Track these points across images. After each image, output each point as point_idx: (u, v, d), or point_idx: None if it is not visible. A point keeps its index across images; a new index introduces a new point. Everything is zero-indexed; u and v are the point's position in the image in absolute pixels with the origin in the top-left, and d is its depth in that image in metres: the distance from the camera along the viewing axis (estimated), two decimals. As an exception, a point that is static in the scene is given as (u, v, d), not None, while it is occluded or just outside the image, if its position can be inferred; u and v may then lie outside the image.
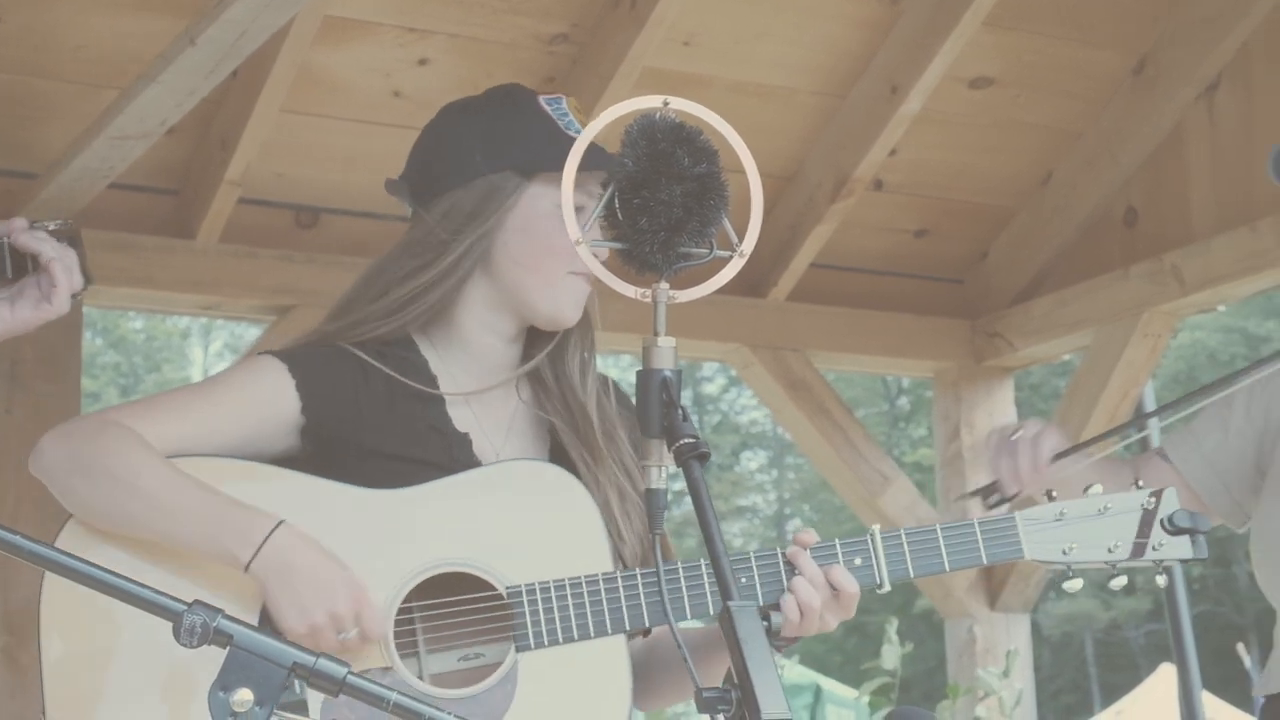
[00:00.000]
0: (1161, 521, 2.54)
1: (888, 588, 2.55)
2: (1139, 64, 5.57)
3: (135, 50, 4.61)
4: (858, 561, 2.54)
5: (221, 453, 2.63)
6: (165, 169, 5.10)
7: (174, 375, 33.34)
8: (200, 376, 20.93)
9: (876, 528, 2.58)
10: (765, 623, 2.04)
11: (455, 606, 2.58)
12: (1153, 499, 2.56)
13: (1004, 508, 2.99)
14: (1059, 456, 3.08)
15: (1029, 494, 3.08)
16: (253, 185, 5.10)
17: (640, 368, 2.26)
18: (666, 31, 5.01)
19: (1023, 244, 6.01)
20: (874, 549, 2.55)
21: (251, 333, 15.38)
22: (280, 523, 2.52)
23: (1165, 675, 13.37)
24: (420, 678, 2.56)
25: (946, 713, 5.13)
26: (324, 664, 1.81)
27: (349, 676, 1.81)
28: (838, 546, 2.55)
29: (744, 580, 2.52)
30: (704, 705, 2.03)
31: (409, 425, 2.70)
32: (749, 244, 2.25)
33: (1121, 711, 14.97)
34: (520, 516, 2.60)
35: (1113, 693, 23.13)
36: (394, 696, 1.80)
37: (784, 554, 2.56)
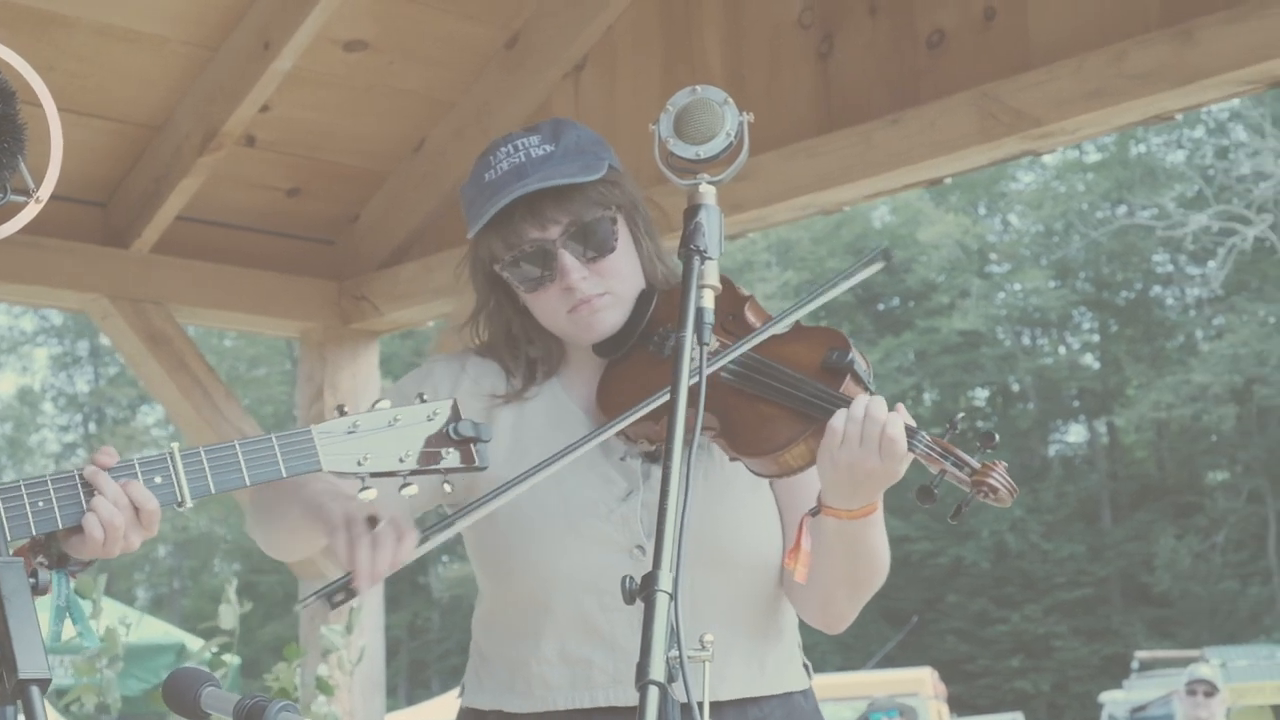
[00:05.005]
0: (448, 431, 2.61)
1: (190, 504, 2.52)
2: (511, 39, 5.69)
3: None
4: (158, 480, 2.51)
5: None
6: None
7: None
8: None
9: (175, 445, 2.56)
10: (32, 580, 2.00)
11: None
12: (436, 412, 2.62)
13: (353, 603, 2.89)
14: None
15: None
16: None
17: None
18: (28, -34, 4.83)
19: (393, 209, 6.06)
20: (174, 467, 2.53)
21: None
22: None
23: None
24: None
25: (284, 671, 5.11)
26: None
27: None
28: (137, 465, 2.52)
29: (41, 505, 2.43)
30: (-39, 663, 1.98)
31: None
32: (46, 190, 2.21)
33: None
34: None
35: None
36: None
37: (81, 475, 2.50)
